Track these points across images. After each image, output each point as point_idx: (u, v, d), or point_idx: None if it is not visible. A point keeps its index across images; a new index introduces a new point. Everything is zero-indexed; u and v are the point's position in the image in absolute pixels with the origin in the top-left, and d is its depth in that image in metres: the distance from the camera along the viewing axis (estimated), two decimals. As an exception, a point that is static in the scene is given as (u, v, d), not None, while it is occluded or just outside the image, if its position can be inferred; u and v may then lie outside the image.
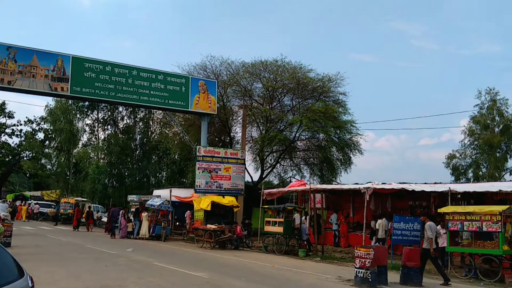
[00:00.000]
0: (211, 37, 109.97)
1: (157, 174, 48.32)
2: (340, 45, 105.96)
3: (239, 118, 33.55)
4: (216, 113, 28.86)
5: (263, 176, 33.39)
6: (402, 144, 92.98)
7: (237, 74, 31.43)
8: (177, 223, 29.34)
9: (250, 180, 33.38)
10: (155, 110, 39.27)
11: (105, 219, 31.87)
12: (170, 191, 28.79)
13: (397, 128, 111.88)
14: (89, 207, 34.85)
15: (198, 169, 26.33)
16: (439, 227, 16.17)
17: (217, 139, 35.08)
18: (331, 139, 30.94)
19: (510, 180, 25.71)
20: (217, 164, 26.75)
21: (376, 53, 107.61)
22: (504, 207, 14.06)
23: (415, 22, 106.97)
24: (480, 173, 31.17)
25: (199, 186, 26.18)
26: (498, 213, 13.72)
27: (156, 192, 34.66)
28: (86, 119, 47.43)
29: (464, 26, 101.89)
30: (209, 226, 22.00)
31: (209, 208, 23.05)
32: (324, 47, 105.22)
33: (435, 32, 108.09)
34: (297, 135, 32.27)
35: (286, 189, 24.98)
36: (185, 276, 12.51)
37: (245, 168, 29.60)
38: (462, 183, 25.62)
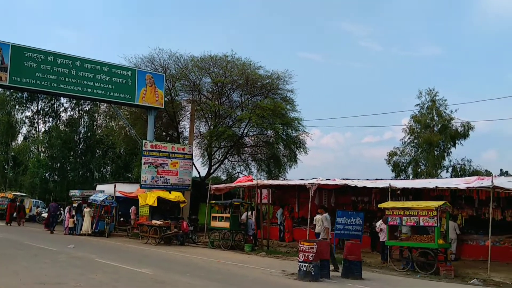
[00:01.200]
0: (160, 29, 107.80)
1: (101, 169, 47.05)
2: (289, 43, 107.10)
3: (187, 113, 33.21)
4: (163, 107, 28.41)
5: (211, 171, 33.28)
6: (347, 142, 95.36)
7: (185, 68, 31.03)
8: (122, 219, 28.72)
9: (197, 175, 33.18)
10: (101, 103, 38.12)
11: (45, 215, 30.70)
12: (115, 186, 28.14)
13: (342, 126, 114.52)
14: (21, 201, 33.47)
15: (144, 164, 25.87)
16: (380, 222, 16.84)
17: (164, 133, 34.56)
18: (279, 136, 31.26)
19: (446, 177, 27.13)
20: (163, 159, 26.39)
21: (324, 52, 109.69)
22: (440, 203, 14.79)
23: (362, 23, 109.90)
24: (419, 170, 32.63)
25: (145, 181, 25.75)
26: (434, 209, 14.40)
27: (99, 187, 33.78)
28: (25, 111, 45.44)
29: (407, 29, 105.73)
30: (154, 222, 21.69)
31: (155, 204, 22.70)
32: (273, 44, 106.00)
33: (380, 33, 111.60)
34: (245, 131, 32.37)
35: (233, 184, 25.04)
36: (128, 273, 12.27)
37: (193, 163, 29.40)
38: (402, 179, 26.65)
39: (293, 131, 31.83)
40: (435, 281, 13.39)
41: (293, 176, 33.90)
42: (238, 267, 14.56)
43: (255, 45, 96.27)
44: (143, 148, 25.95)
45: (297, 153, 33.10)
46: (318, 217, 19.26)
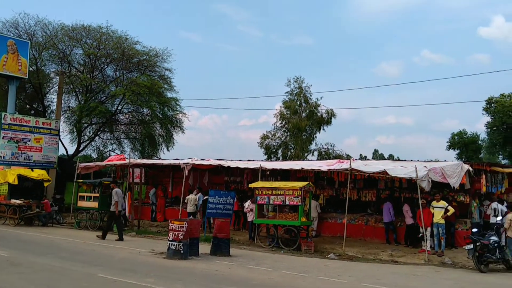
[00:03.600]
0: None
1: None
2: (169, 21, 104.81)
3: (55, 86, 30.86)
4: (27, 77, 26.03)
5: (80, 149, 31.50)
6: (224, 124, 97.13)
7: (55, 37, 28.69)
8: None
9: (65, 153, 31.19)
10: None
11: None
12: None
13: (219, 107, 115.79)
14: None
15: (3, 138, 23.68)
16: (248, 202, 17.46)
17: (28, 106, 31.87)
18: (155, 115, 30.61)
19: (312, 160, 28.98)
20: (26, 134, 24.40)
21: (204, 34, 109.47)
22: (304, 183, 15.82)
23: (242, 7, 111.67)
24: (289, 153, 34.41)
25: (4, 157, 23.67)
26: (299, 188, 15.37)
27: None
28: None
29: (286, 18, 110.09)
30: (13, 201, 19.97)
31: (15, 182, 20.88)
32: (153, 21, 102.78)
33: (260, 20, 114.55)
34: (119, 108, 31.20)
35: (104, 163, 24.04)
36: (-22, 256, 11.20)
37: (60, 139, 27.53)
38: (272, 161, 27.87)
39: (170, 111, 31.39)
40: (297, 256, 14.33)
41: (169, 156, 33.47)
42: (105, 248, 14.10)
43: (134, 19, 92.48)
44: (3, 121, 23.70)
45: (173, 133, 32.82)
46: (191, 196, 19.46)
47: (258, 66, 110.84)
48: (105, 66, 30.81)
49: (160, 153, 33.06)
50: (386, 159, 46.46)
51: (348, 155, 33.12)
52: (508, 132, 40.16)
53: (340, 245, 15.43)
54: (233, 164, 18.92)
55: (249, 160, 20.21)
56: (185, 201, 19.48)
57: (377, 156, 69.73)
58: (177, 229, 12.18)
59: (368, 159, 36.32)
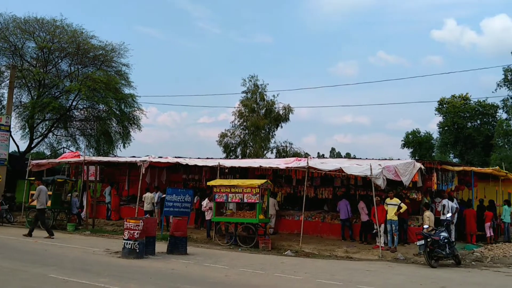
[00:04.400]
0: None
1: None
2: (126, 15, 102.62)
3: (6, 80, 29.52)
4: (-25, 70, 24.89)
5: (32, 145, 30.39)
6: (184, 121, 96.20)
7: (6, 29, 27.53)
8: None
9: (16, 150, 30.02)
10: None
11: None
12: None
13: (177, 104, 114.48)
14: None
15: None
16: (206, 200, 17.39)
17: (-24, 101, 30.40)
18: (112, 111, 29.93)
19: (271, 158, 29.18)
20: (-27, 130, 23.25)
21: (163, 29, 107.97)
22: (263, 181, 15.89)
23: (201, 4, 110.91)
24: (248, 151, 34.51)
25: (-52, 154, 22.41)
26: (257, 186, 15.41)
27: None
28: None
29: (245, 16, 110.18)
30: (-41, 200, 19.08)
31: (-39, 180, 19.96)
32: (109, 15, 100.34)
33: (219, 17, 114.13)
34: (74, 104, 30.28)
35: (57, 160, 23.35)
36: None
37: (11, 136, 26.45)
38: (231, 159, 27.87)
39: (127, 107, 30.78)
40: (255, 254, 14.40)
41: (126, 153, 32.75)
42: (58, 247, 13.71)
43: (89, 13, 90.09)
44: None
45: (130, 130, 32.16)
46: (147, 195, 19.17)
47: (218, 63, 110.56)
48: (59, 61, 29.85)
49: (116, 151, 32.39)
50: (343, 157, 47.37)
51: (306, 153, 33.61)
52: (459, 132, 41.85)
53: (297, 242, 15.60)
54: (191, 162, 18.78)
55: (207, 158, 20.12)
56: (142, 199, 19.19)
57: (335, 154, 70.97)
58: (132, 227, 11.99)
59: (325, 157, 36.94)
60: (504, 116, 39.50)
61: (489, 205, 18.82)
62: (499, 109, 40.37)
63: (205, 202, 17.45)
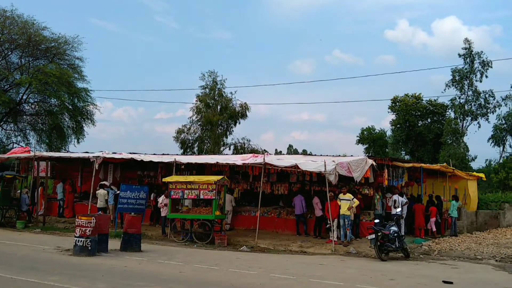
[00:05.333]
0: None
1: None
2: (81, 7, 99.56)
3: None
4: None
5: (-20, 141, 29.19)
6: (140, 116, 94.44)
7: (-50, 19, 26.29)
8: None
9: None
10: None
11: None
12: None
13: (134, 99, 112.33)
14: None
15: None
16: (162, 197, 17.22)
17: None
18: (64, 106, 29.15)
19: (226, 154, 29.22)
20: None
21: (119, 23, 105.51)
22: (219, 177, 15.89)
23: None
24: (205, 147, 34.40)
25: None
26: (213, 182, 15.42)
27: None
28: None
29: (203, 12, 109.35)
30: None
31: None
32: (62, 5, 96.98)
33: (178, 11, 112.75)
34: (24, 98, 29.26)
35: (6, 155, 22.47)
36: None
37: (-45, 130, 25.29)
38: (188, 155, 27.66)
39: (81, 102, 30.06)
40: (210, 250, 14.41)
41: (80, 149, 31.96)
42: (6, 246, 13.28)
43: (42, 4, 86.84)
44: None
45: (84, 125, 31.46)
46: (100, 191, 18.80)
47: (176, 58, 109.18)
48: (9, 52, 28.79)
49: (69, 146, 31.59)
50: (299, 154, 47.91)
51: (264, 149, 33.83)
52: (410, 130, 43.18)
53: (253, 237, 15.72)
54: (146, 158, 18.52)
55: (163, 154, 19.91)
56: (96, 195, 18.79)
57: (292, 151, 71.58)
58: (84, 224, 11.75)
59: (283, 154, 37.27)
60: (453, 115, 41.09)
61: (436, 201, 19.59)
62: (448, 108, 41.94)
63: (161, 199, 17.28)
